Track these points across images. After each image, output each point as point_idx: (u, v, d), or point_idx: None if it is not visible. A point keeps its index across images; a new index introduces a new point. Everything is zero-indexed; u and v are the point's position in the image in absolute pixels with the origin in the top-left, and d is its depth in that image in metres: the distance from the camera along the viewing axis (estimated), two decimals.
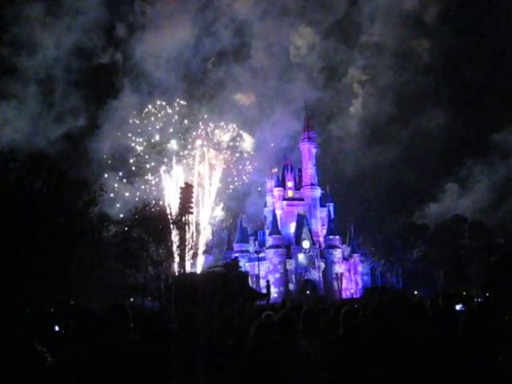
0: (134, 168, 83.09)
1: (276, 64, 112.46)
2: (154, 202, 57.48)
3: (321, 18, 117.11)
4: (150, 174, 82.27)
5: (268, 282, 62.89)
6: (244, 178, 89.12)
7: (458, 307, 8.14)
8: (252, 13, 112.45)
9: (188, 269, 57.61)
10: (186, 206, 41.07)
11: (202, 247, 63.76)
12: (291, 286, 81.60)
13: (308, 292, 79.64)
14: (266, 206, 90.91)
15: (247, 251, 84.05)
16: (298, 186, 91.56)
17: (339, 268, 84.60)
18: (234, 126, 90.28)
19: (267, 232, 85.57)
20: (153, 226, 48.33)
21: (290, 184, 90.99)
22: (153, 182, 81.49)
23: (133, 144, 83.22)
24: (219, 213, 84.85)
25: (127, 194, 77.42)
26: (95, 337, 4.36)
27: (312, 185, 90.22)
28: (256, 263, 68.78)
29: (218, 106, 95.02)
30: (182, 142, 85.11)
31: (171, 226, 50.97)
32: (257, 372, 4.61)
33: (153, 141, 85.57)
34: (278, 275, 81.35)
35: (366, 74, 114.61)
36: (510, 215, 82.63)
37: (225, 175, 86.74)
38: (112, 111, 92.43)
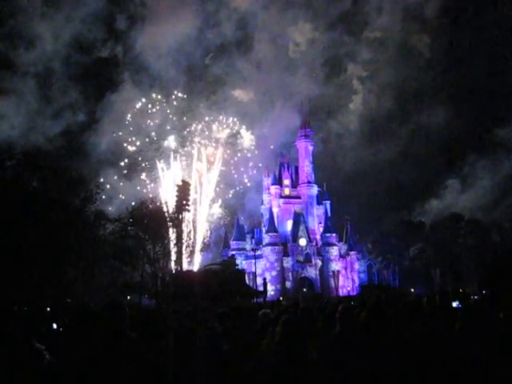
0: (131, 165, 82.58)
1: (278, 56, 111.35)
2: (150, 199, 57.29)
3: (325, 9, 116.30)
4: (146, 171, 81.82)
5: (265, 279, 63.00)
6: (243, 174, 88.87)
7: (454, 304, 8.18)
8: (255, 2, 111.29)
9: (185, 266, 57.66)
10: (182, 204, 40.99)
11: (199, 245, 63.79)
12: (288, 284, 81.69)
13: (305, 290, 79.74)
14: (262, 203, 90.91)
15: (244, 249, 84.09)
16: (294, 184, 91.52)
17: (336, 266, 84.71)
18: (234, 121, 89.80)
19: (264, 230, 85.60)
20: (149, 223, 48.24)
21: (286, 182, 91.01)
22: (148, 181, 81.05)
23: (129, 140, 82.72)
24: (217, 210, 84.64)
25: (125, 191, 77.00)
26: (93, 334, 4.36)
27: (309, 182, 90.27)
28: (253, 261, 68.81)
29: (217, 102, 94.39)
30: (180, 140, 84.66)
31: (168, 223, 50.96)
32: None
33: (148, 139, 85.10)
34: (274, 273, 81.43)
35: (366, 70, 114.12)
36: (506, 213, 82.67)
37: (223, 172, 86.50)
38: (111, 105, 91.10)
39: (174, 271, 51.96)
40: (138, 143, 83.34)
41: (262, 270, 78.63)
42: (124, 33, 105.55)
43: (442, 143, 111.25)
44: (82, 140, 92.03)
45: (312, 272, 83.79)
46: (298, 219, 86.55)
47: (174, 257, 52.87)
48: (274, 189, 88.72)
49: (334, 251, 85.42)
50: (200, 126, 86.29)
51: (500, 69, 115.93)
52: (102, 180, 70.48)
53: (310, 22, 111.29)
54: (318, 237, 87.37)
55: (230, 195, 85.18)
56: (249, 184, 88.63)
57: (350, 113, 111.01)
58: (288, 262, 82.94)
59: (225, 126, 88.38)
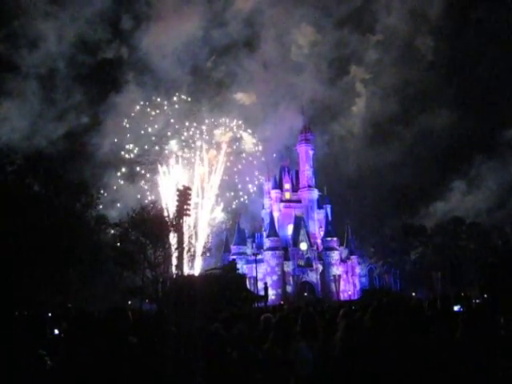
0: (132, 169, 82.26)
1: (283, 57, 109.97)
2: (151, 204, 57.23)
3: (331, 9, 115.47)
4: (147, 175, 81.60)
5: (266, 284, 62.84)
6: (246, 178, 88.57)
7: (456, 308, 8.17)
8: (262, 2, 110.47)
9: (187, 271, 57.58)
10: (183, 209, 40.98)
11: (200, 249, 63.67)
12: (289, 288, 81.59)
13: (306, 294, 79.66)
14: (263, 208, 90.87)
15: (245, 253, 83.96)
16: (295, 188, 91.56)
17: (337, 270, 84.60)
18: (239, 124, 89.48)
19: (265, 234, 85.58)
20: (150, 228, 48.17)
21: (287, 186, 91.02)
22: (148, 185, 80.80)
23: (128, 147, 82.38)
24: (219, 214, 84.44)
25: (128, 194, 76.49)
26: (94, 340, 4.37)
27: (309, 187, 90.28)
28: (254, 265, 68.66)
29: (219, 105, 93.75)
30: (183, 144, 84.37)
31: (169, 228, 50.87)
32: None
33: (146, 146, 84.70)
34: (275, 277, 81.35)
35: (370, 72, 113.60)
36: (508, 216, 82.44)
37: (225, 176, 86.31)
38: (114, 107, 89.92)
39: (174, 276, 51.90)
40: (139, 146, 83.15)
41: (263, 274, 78.51)
42: (129, 33, 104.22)
43: (446, 145, 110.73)
44: (85, 142, 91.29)
45: (313, 276, 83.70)
46: (299, 223, 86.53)
47: (174, 261, 52.79)
48: (274, 193, 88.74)
49: (335, 255, 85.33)
50: (202, 130, 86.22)
51: (504, 70, 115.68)
52: (105, 181, 70.39)
53: (313, 24, 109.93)
54: (319, 241, 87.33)
55: (233, 199, 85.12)
56: (251, 188, 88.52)
57: (353, 115, 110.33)
58: (289, 267, 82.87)
59: (228, 129, 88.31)
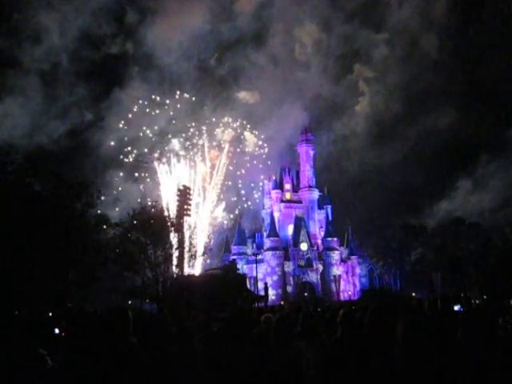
0: (134, 167, 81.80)
1: (289, 54, 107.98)
2: (152, 203, 57.23)
3: (338, 6, 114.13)
4: (148, 174, 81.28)
5: (266, 284, 62.88)
6: (248, 177, 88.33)
7: (456, 308, 8.18)
8: None
9: (187, 271, 57.59)
10: (183, 209, 41.05)
11: (200, 249, 63.69)
12: (289, 288, 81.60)
13: (306, 294, 79.65)
14: (263, 208, 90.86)
15: (245, 253, 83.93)
16: (295, 188, 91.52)
17: (337, 270, 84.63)
18: (243, 124, 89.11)
19: (265, 234, 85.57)
20: (151, 228, 48.19)
21: (287, 186, 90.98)
22: (147, 186, 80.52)
23: (129, 147, 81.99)
24: (221, 214, 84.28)
25: (129, 194, 75.93)
26: (95, 339, 4.37)
27: (310, 187, 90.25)
28: (254, 265, 68.63)
29: (222, 104, 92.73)
30: (187, 144, 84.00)
31: (169, 228, 50.91)
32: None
33: (146, 147, 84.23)
34: (275, 277, 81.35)
35: (373, 71, 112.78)
36: (508, 217, 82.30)
37: (227, 175, 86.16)
38: (118, 103, 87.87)
39: (175, 276, 51.92)
40: (140, 145, 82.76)
41: (263, 274, 78.52)
42: (134, 27, 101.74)
43: (451, 145, 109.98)
44: (87, 139, 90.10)
45: (313, 276, 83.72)
46: (299, 224, 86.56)
47: (175, 261, 52.83)
48: (275, 193, 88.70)
49: (336, 256, 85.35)
50: (204, 128, 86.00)
51: (511, 68, 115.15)
52: (106, 180, 70.02)
53: (319, 21, 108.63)
54: (319, 241, 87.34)
55: (234, 198, 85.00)
56: (254, 192, 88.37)
57: (357, 114, 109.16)
58: (289, 267, 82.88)
59: (230, 129, 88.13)
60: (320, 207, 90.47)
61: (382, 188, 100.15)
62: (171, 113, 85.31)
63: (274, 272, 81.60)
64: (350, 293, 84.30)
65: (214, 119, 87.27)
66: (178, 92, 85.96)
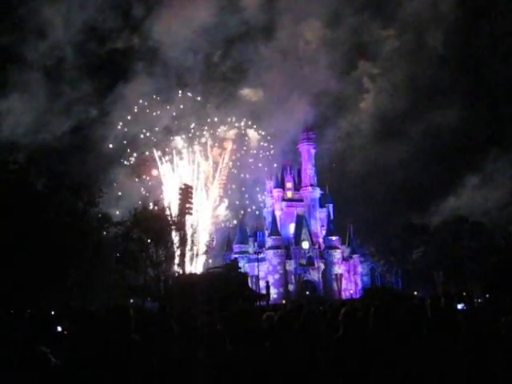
0: (137, 165, 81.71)
1: (295, 48, 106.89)
2: (154, 202, 57.30)
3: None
4: (151, 172, 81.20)
5: (267, 282, 62.99)
6: (250, 175, 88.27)
7: (459, 306, 8.18)
8: None
9: (189, 269, 57.66)
10: (185, 207, 41.09)
11: (202, 248, 63.73)
12: (291, 287, 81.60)
13: (307, 293, 79.65)
14: (265, 206, 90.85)
15: (247, 252, 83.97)
16: (297, 187, 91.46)
17: (339, 269, 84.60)
18: (247, 123, 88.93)
19: (266, 233, 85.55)
20: (152, 226, 48.23)
21: (289, 185, 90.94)
22: (151, 184, 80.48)
23: (129, 149, 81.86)
24: (223, 212, 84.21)
25: (132, 192, 75.56)
26: (98, 338, 4.39)
27: (311, 185, 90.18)
28: (255, 264, 68.75)
29: (226, 101, 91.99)
30: (190, 139, 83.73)
31: (171, 226, 50.94)
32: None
33: (151, 140, 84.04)
34: (277, 276, 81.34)
35: (378, 67, 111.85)
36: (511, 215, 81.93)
37: (230, 173, 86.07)
38: (122, 98, 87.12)
39: (176, 274, 51.98)
40: (143, 143, 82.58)
41: (265, 273, 78.52)
42: (140, 21, 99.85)
43: (456, 142, 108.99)
44: (91, 135, 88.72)
45: (315, 275, 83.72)
46: (301, 222, 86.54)
47: (177, 260, 52.89)
48: (276, 192, 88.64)
49: (337, 254, 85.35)
50: (207, 127, 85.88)
51: None
52: (110, 178, 69.92)
53: (324, 16, 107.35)
54: (321, 240, 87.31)
55: (237, 196, 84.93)
56: (257, 186, 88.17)
57: (361, 111, 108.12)
58: (291, 265, 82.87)
59: (234, 127, 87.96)
60: (322, 206, 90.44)
61: (385, 186, 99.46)
62: (173, 113, 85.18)
63: (275, 271, 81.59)
64: (351, 291, 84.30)
65: (215, 119, 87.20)
66: (181, 92, 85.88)
